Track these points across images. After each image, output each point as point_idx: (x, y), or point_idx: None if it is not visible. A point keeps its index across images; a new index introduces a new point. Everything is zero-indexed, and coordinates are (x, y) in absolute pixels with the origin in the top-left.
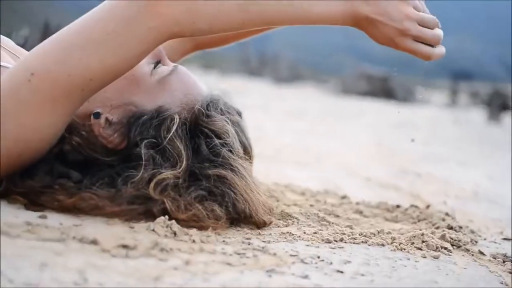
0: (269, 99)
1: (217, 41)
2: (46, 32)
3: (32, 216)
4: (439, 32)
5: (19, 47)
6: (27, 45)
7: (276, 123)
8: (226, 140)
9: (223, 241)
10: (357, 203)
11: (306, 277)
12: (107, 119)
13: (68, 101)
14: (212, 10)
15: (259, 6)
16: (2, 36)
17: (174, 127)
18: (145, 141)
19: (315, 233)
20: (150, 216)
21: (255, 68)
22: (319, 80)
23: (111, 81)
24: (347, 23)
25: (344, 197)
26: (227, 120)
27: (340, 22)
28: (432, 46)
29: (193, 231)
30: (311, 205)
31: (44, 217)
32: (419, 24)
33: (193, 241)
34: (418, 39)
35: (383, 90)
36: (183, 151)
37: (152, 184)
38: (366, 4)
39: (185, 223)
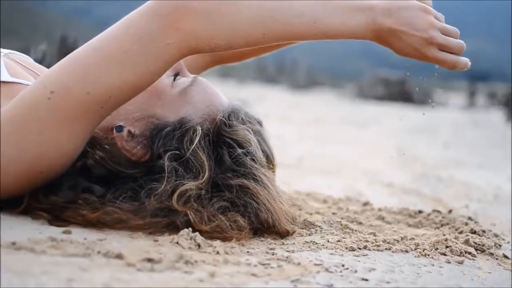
0: (287, 107)
1: (237, 55)
2: (63, 46)
3: (56, 231)
4: (462, 41)
5: (38, 64)
6: (45, 60)
7: (295, 131)
8: (248, 149)
9: (247, 251)
10: (379, 210)
11: (331, 286)
12: (129, 132)
13: (88, 118)
14: (231, 25)
15: (278, 22)
16: (20, 53)
17: (197, 138)
18: (169, 153)
19: (339, 241)
20: (173, 228)
21: (272, 76)
22: (336, 85)
23: (130, 97)
24: (368, 37)
25: (366, 203)
26: (249, 130)
27: (360, 35)
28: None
29: (217, 243)
30: (334, 213)
31: (68, 232)
32: (442, 33)
33: (217, 252)
34: (443, 48)
35: (400, 94)
36: (205, 162)
37: (175, 196)
38: (388, 15)
39: (209, 235)
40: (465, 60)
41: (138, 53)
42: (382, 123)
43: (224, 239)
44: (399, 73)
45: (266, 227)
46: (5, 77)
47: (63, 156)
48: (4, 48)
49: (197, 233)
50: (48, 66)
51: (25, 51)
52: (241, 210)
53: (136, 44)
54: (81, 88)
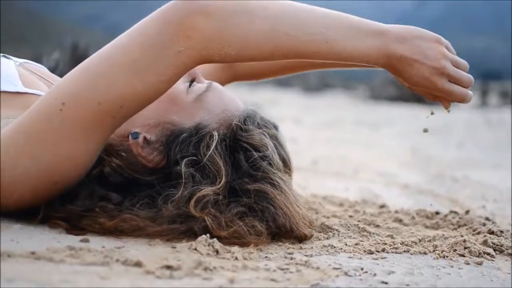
0: (301, 110)
1: (255, 73)
2: (75, 53)
3: (74, 240)
4: (470, 75)
5: (53, 74)
6: (58, 68)
7: (309, 134)
8: (265, 153)
9: (266, 257)
10: (396, 212)
11: None
12: (145, 139)
13: (100, 128)
14: (242, 35)
15: (290, 37)
16: (36, 63)
17: (214, 144)
18: (186, 159)
19: (357, 244)
20: (191, 234)
21: (284, 79)
22: (349, 87)
23: (143, 107)
24: (379, 63)
25: (382, 206)
26: (265, 134)
27: (372, 60)
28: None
29: (235, 249)
30: (351, 216)
31: (86, 240)
32: (453, 65)
33: (236, 258)
34: (453, 80)
35: (413, 95)
36: (222, 167)
37: (192, 202)
38: (401, 43)
39: (227, 240)
40: (471, 94)
41: (149, 61)
42: (395, 124)
43: (242, 244)
44: None
45: (284, 232)
46: (19, 87)
47: (77, 166)
48: (17, 57)
49: (215, 239)
50: (61, 74)
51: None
52: (258, 215)
53: (146, 52)
54: (92, 99)
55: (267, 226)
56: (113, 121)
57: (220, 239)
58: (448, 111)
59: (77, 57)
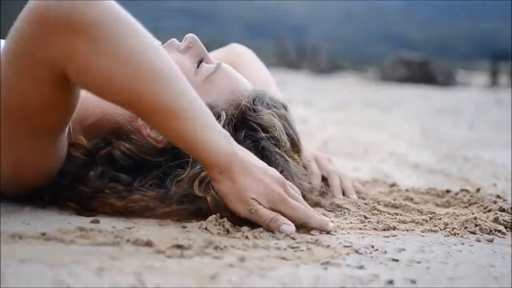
0: (310, 92)
1: None
2: None
3: (84, 221)
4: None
5: None
6: None
7: (319, 115)
8: (272, 134)
9: (275, 235)
10: (407, 190)
11: (362, 267)
12: None
13: (34, 129)
14: (106, 76)
15: (153, 88)
16: None
17: (221, 124)
18: None
19: (367, 222)
20: (201, 214)
21: (293, 61)
22: (358, 69)
23: (48, 109)
24: (220, 160)
25: (393, 185)
26: (274, 114)
27: (213, 153)
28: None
29: (245, 228)
30: (360, 195)
31: (96, 221)
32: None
33: (246, 237)
34: (290, 196)
35: (423, 76)
36: None
37: (196, 182)
38: (242, 149)
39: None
40: (318, 219)
41: (20, 67)
42: (405, 105)
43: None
44: (421, 54)
45: None
46: None
47: (45, 163)
48: None
49: (225, 218)
50: None
51: None
52: None
53: (19, 57)
54: (3, 103)
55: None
56: (43, 121)
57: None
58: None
59: None
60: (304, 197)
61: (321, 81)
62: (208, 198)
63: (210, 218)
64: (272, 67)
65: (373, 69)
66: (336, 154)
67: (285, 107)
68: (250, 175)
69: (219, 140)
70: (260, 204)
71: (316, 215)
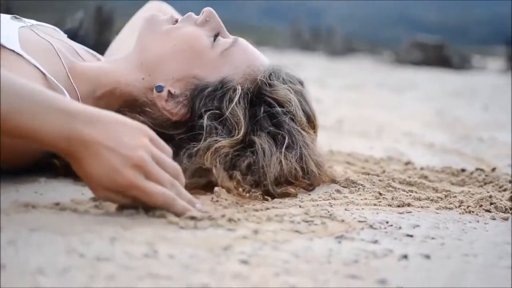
0: (325, 73)
1: None
2: (99, 16)
3: None
4: (176, 181)
5: (66, 39)
6: (82, 28)
7: (334, 95)
8: (288, 109)
9: (290, 209)
10: (422, 169)
11: (376, 242)
12: (169, 92)
13: None
14: None
15: None
16: (51, 26)
17: (236, 98)
18: (209, 112)
19: (382, 199)
20: (213, 188)
21: (308, 43)
22: (373, 52)
23: None
24: (58, 146)
25: (408, 163)
26: (290, 89)
27: (52, 141)
28: None
29: (258, 201)
30: (375, 172)
31: None
32: (156, 163)
33: (260, 210)
34: (152, 178)
35: (438, 59)
36: (242, 120)
37: (207, 155)
38: (92, 126)
39: (235, 193)
40: (182, 205)
41: None
42: (420, 87)
43: (244, 198)
44: (437, 37)
45: (312, 175)
46: (16, 48)
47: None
48: (41, 20)
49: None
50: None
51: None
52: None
53: None
54: None
55: (281, 179)
56: None
57: (230, 191)
58: None
59: (101, 20)
60: (320, 173)
61: (335, 63)
62: (214, 170)
63: (222, 191)
64: (287, 48)
65: (388, 52)
66: (350, 133)
67: (301, 83)
68: (95, 158)
69: (53, 126)
70: (109, 190)
71: (179, 200)
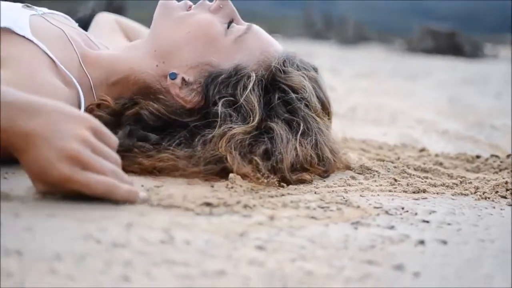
0: (337, 61)
1: None
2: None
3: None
4: (116, 168)
5: (78, 28)
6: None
7: (346, 83)
8: (303, 95)
9: (305, 195)
10: (436, 155)
11: (392, 228)
12: (183, 79)
13: None
14: None
15: None
16: (63, 15)
17: (251, 85)
18: (223, 99)
19: (397, 185)
20: (227, 174)
21: (320, 31)
22: (385, 40)
23: None
24: (2, 138)
25: (422, 149)
26: (304, 76)
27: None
28: None
29: (273, 188)
30: (390, 159)
31: None
32: (95, 153)
33: (275, 196)
34: (90, 168)
35: (450, 47)
36: (257, 107)
37: (222, 142)
38: (32, 117)
39: (248, 179)
40: (124, 190)
41: None
42: (432, 75)
43: (261, 184)
44: (449, 25)
45: (327, 162)
46: (27, 34)
47: None
48: (48, 8)
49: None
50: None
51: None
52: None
53: None
54: None
55: (297, 166)
56: None
57: (244, 177)
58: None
59: (112, 8)
60: (335, 159)
61: (347, 51)
62: (229, 157)
63: (237, 177)
64: (299, 37)
65: (400, 40)
66: (363, 121)
67: (315, 69)
68: (32, 151)
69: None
70: (47, 184)
71: (122, 186)
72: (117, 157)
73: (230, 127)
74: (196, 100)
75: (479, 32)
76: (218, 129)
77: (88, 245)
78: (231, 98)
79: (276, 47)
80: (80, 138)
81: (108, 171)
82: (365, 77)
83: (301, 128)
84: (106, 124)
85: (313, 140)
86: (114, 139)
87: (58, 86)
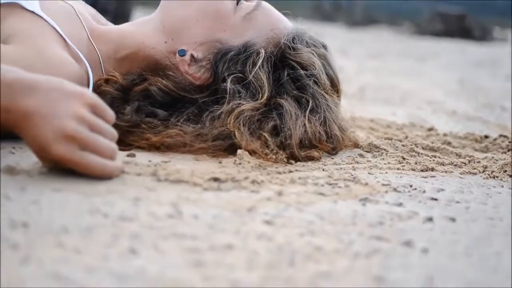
0: (346, 43)
1: None
2: None
3: (120, 155)
4: (113, 145)
5: (88, 7)
6: None
7: (356, 64)
8: (312, 72)
9: (313, 172)
10: (445, 135)
11: (400, 205)
12: (192, 56)
13: None
14: None
15: None
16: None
17: (260, 61)
18: (232, 76)
19: (405, 163)
20: (235, 151)
21: (328, 13)
22: (394, 23)
23: None
24: (3, 118)
25: (431, 129)
26: (313, 53)
27: None
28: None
29: (281, 164)
30: (398, 137)
31: (132, 155)
32: (92, 130)
33: (283, 173)
34: (89, 148)
35: (459, 30)
36: (266, 84)
37: (231, 118)
38: (30, 95)
39: (256, 155)
40: (116, 167)
41: None
42: (441, 57)
43: (268, 160)
44: (458, 8)
45: (335, 139)
46: (36, 10)
47: None
48: None
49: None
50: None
51: None
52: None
53: None
54: None
55: (305, 142)
56: None
57: (252, 154)
58: None
59: None
60: (343, 137)
61: (356, 34)
62: (237, 133)
63: (245, 153)
64: (307, 19)
65: (408, 23)
66: (372, 101)
67: (324, 47)
68: (33, 129)
69: None
70: (49, 161)
71: (119, 165)
72: (113, 131)
73: (239, 103)
74: (205, 76)
75: (488, 16)
76: (227, 105)
77: (95, 219)
78: (240, 75)
79: (285, 23)
80: (77, 117)
81: (104, 149)
82: (374, 58)
83: (310, 105)
84: (114, 99)
85: (322, 117)
86: (111, 114)
87: (66, 60)
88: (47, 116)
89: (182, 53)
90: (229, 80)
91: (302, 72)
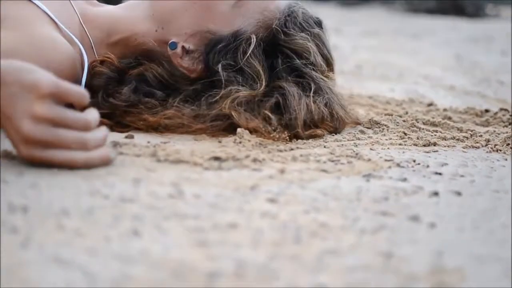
0: (340, 21)
1: None
2: None
3: (119, 136)
4: (82, 136)
5: None
6: None
7: (350, 42)
8: (308, 59)
9: (314, 149)
10: (445, 110)
11: (405, 180)
12: (183, 48)
13: None
14: None
15: None
16: None
17: (251, 48)
18: (225, 65)
19: (407, 138)
20: (234, 130)
21: None
22: (386, 1)
23: None
24: None
25: (430, 104)
26: (307, 37)
27: None
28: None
29: (282, 142)
30: (398, 113)
31: (131, 137)
32: (56, 124)
33: (284, 150)
34: (53, 145)
35: (452, 7)
36: (261, 71)
37: (227, 101)
38: None
39: (257, 133)
40: (99, 156)
41: None
42: (436, 34)
43: (269, 138)
44: None
45: (339, 120)
46: None
47: None
48: None
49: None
50: None
51: None
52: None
53: None
54: None
55: (309, 123)
56: None
57: (251, 132)
58: None
59: None
60: (346, 117)
61: (349, 12)
62: (233, 113)
63: (245, 132)
64: None
65: (401, 1)
66: (369, 78)
67: (319, 23)
68: (4, 129)
69: None
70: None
71: (91, 155)
72: (85, 117)
73: (237, 89)
74: (200, 68)
75: None
76: (224, 89)
77: (95, 201)
78: (232, 63)
79: (277, 3)
80: (33, 116)
81: (72, 142)
82: (369, 36)
83: (312, 87)
84: (110, 79)
85: (326, 99)
86: (80, 93)
87: (59, 42)
88: (10, 117)
89: (174, 46)
90: (222, 71)
91: (297, 61)
